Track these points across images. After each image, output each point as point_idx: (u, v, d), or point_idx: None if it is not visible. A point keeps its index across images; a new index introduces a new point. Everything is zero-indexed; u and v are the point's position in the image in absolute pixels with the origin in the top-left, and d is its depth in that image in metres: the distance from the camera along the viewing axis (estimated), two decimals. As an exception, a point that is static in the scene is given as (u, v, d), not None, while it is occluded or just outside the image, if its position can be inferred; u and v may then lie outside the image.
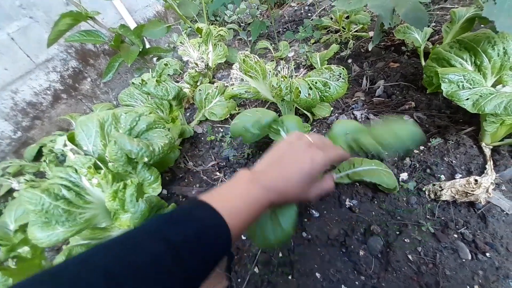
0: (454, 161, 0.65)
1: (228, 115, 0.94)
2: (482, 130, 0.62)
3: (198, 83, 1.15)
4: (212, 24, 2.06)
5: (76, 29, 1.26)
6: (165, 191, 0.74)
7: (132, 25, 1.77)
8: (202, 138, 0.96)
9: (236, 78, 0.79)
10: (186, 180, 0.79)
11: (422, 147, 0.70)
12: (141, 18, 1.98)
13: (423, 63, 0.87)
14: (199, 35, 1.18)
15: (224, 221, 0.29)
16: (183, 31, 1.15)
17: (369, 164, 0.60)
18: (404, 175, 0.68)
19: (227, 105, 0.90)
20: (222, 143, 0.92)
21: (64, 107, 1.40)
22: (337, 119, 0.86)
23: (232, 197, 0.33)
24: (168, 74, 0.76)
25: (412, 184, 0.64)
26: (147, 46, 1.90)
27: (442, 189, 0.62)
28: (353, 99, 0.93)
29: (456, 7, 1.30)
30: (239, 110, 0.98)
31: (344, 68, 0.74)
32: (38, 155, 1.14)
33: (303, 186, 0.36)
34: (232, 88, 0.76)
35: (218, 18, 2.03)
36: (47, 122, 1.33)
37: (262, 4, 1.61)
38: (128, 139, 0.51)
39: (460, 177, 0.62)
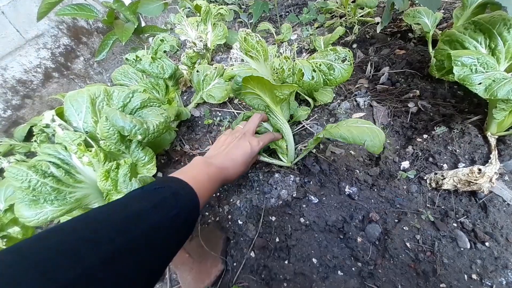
0: (458, 150, 0.63)
1: (227, 98, 0.90)
2: (488, 119, 0.60)
3: (196, 65, 1.11)
4: (210, 1, 1.97)
5: (69, 2, 1.19)
6: (160, 174, 0.72)
7: (128, 1, 1.69)
8: (200, 122, 0.93)
9: (236, 58, 0.75)
10: (182, 164, 0.77)
11: (425, 135, 0.68)
12: (137, -5, 1.88)
13: (430, 50, 0.84)
14: (198, 14, 1.12)
15: (193, 190, 0.41)
16: (180, 9, 1.09)
17: (365, 123, 0.54)
18: (405, 164, 0.66)
19: (226, 88, 0.86)
20: (220, 127, 0.89)
21: (55, 86, 1.34)
22: (339, 105, 0.84)
23: (195, 174, 0.46)
24: (164, 51, 0.72)
25: (412, 173, 0.62)
26: (143, 25, 1.82)
27: (444, 178, 0.61)
28: (356, 86, 0.90)
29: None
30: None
31: (350, 50, 0.71)
32: (29, 135, 1.10)
33: (247, 165, 0.56)
34: (232, 69, 0.72)
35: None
36: (38, 102, 1.28)
37: (264, -16, 1.53)
38: (120, 115, 0.47)
39: (464, 166, 0.61)
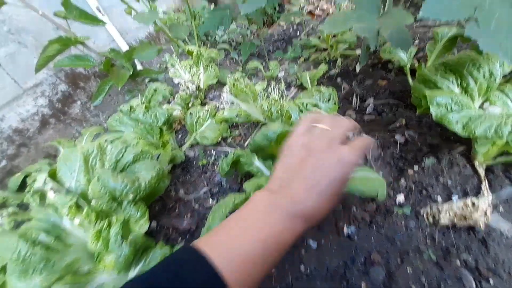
0: (449, 182, 0.63)
1: (220, 138, 0.91)
2: (473, 150, 0.61)
3: (190, 105, 1.14)
4: (204, 44, 2.08)
5: (67, 53, 1.24)
6: (154, 223, 0.70)
7: (124, 47, 1.77)
8: (194, 162, 0.93)
9: (227, 101, 0.77)
10: (176, 210, 0.75)
11: (416, 167, 0.69)
12: (133, 39, 1.98)
13: (410, 81, 0.87)
14: (190, 57, 1.18)
15: (223, 282, 0.21)
16: (173, 53, 1.15)
17: (362, 170, 0.55)
18: (400, 197, 0.66)
19: (218, 128, 0.88)
20: (215, 167, 0.89)
21: (52, 132, 1.35)
22: (329, 139, 0.85)
23: (242, 240, 0.24)
24: (157, 101, 0.74)
25: (408, 208, 0.62)
26: (140, 67, 1.90)
27: (440, 212, 0.60)
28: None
29: (438, 25, 1.35)
30: (231, 132, 0.96)
31: (334, 89, 0.73)
32: (23, 184, 1.09)
33: (335, 199, 0.27)
34: (223, 112, 0.74)
35: (209, 38, 2.05)
36: (34, 149, 1.28)
37: (251, 24, 1.64)
38: (112, 176, 0.47)
39: (457, 198, 0.61)
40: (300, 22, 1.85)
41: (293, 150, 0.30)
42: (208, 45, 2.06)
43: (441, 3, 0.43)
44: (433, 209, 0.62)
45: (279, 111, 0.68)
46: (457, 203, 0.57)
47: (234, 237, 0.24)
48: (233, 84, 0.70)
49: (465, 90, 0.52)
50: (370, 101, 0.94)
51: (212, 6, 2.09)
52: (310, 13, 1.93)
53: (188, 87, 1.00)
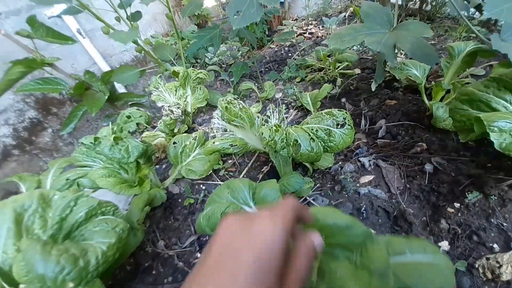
0: (505, 224, 0.49)
1: (211, 170, 0.76)
2: (531, 182, 0.48)
3: (176, 130, 0.99)
4: (193, 66, 1.99)
5: (39, 75, 1.09)
6: (121, 295, 0.51)
7: (106, 69, 1.64)
8: (179, 200, 0.76)
9: (218, 128, 0.63)
10: (154, 272, 0.56)
11: (457, 204, 0.55)
12: (118, 63, 1.87)
13: (425, 100, 0.77)
14: (176, 79, 1.05)
15: None
16: (157, 75, 1.02)
17: (418, 250, 0.39)
18: (444, 244, 0.51)
19: (208, 159, 0.72)
20: (204, 206, 0.72)
21: (14, 165, 1.15)
22: (341, 168, 0.71)
23: None
24: (129, 131, 0.59)
25: (463, 264, 0.46)
26: (123, 91, 1.76)
27: (501, 266, 0.45)
28: (355, 143, 0.80)
29: (432, 43, 1.31)
30: (223, 164, 0.80)
31: (347, 112, 0.61)
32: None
33: (265, 283, 0.18)
34: (214, 142, 0.59)
35: (199, 60, 1.97)
36: (-13, 187, 1.07)
37: (242, 46, 1.57)
38: (41, 253, 0.30)
39: (520, 247, 0.46)
40: (292, 44, 1.81)
41: (209, 247, 0.22)
42: (198, 68, 1.98)
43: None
44: (490, 261, 0.47)
45: (285, 140, 0.55)
46: (526, 255, 0.43)
47: None
48: (226, 108, 0.57)
49: (526, 110, 0.41)
50: (382, 123, 0.82)
51: (202, 29, 2.04)
52: (301, 35, 1.91)
53: (172, 111, 0.86)
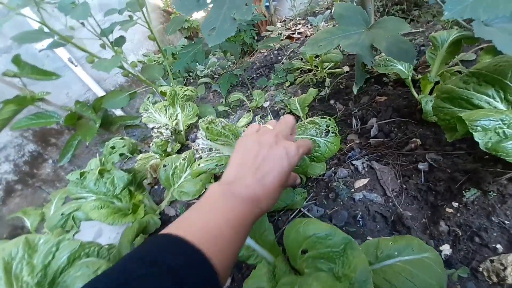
0: (507, 222, 0.46)
1: (204, 190, 0.75)
2: (530, 174, 0.46)
3: (169, 149, 0.99)
4: (186, 80, 2.00)
5: (35, 109, 1.11)
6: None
7: (101, 94, 1.67)
8: (176, 222, 0.75)
9: (203, 149, 0.62)
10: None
11: (455, 203, 0.52)
12: (112, 85, 1.90)
13: (415, 95, 0.75)
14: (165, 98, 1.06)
15: (205, 257, 0.21)
16: (147, 97, 1.03)
17: (405, 250, 0.38)
18: (445, 248, 0.48)
19: (200, 179, 0.72)
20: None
21: (18, 200, 1.17)
22: (335, 174, 0.69)
23: (208, 222, 0.24)
24: (112, 162, 0.59)
25: (465, 271, 0.44)
26: (120, 113, 1.78)
27: (505, 267, 0.43)
28: (348, 145, 0.78)
29: (421, 30, 1.28)
30: (214, 180, 0.79)
31: (331, 119, 0.60)
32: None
33: (283, 186, 0.31)
34: (199, 164, 0.58)
35: (191, 74, 1.99)
36: (-6, 225, 1.09)
37: (228, 56, 1.57)
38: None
39: (526, 245, 0.43)
40: (281, 47, 1.80)
41: (246, 146, 0.32)
42: (191, 81, 1.99)
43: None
44: (494, 263, 0.44)
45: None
46: (532, 256, 0.40)
47: (202, 221, 0.25)
48: (207, 129, 0.56)
49: None
50: (373, 121, 0.80)
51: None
52: (289, 37, 1.89)
53: (161, 133, 0.86)
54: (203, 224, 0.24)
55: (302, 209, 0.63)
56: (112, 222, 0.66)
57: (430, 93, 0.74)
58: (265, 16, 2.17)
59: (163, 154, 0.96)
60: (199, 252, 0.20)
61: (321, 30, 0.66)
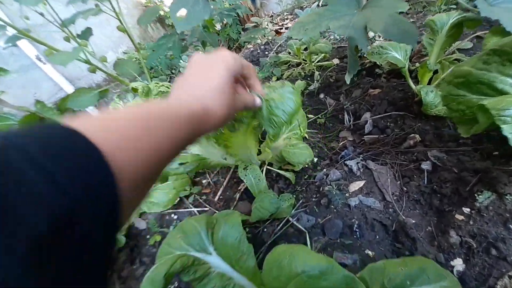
0: (529, 229, 0.39)
1: (178, 198, 0.65)
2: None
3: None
4: (169, 77, 1.88)
5: None
6: None
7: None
8: (148, 237, 0.65)
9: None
10: None
11: (467, 209, 0.45)
12: (87, 85, 1.76)
13: (412, 86, 0.67)
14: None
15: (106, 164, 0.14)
16: (117, 95, 0.92)
17: (419, 277, 0.30)
18: (458, 263, 0.41)
19: (173, 186, 0.62)
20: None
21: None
22: (327, 176, 0.60)
23: (121, 116, 0.18)
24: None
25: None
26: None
27: (532, 284, 0.35)
28: (340, 143, 0.70)
29: (412, 21, 1.22)
30: (195, 186, 0.70)
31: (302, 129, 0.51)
32: None
33: (228, 98, 0.27)
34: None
35: (174, 71, 1.87)
36: None
37: (209, 48, 1.46)
38: None
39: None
40: (268, 42, 1.71)
41: (189, 66, 0.29)
42: (174, 78, 1.87)
43: None
44: (517, 279, 0.37)
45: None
46: None
47: (115, 117, 0.18)
48: None
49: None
50: (367, 116, 0.72)
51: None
52: (277, 32, 1.81)
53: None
54: (113, 119, 0.17)
55: (290, 219, 0.54)
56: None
57: (429, 83, 0.66)
58: (251, 10, 2.08)
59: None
60: (87, 141, 0.14)
61: (308, 13, 0.57)
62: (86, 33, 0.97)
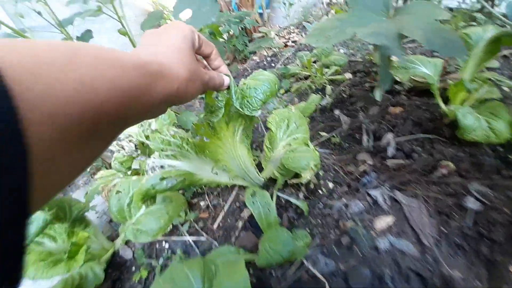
0: None
1: (171, 226, 0.55)
2: None
3: (136, 166, 0.79)
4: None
5: None
6: None
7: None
8: (133, 269, 0.55)
9: (154, 168, 0.44)
10: None
11: (533, 266, 0.35)
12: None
13: (442, 105, 0.59)
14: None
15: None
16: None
17: None
18: None
19: (166, 211, 0.52)
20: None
21: None
22: (346, 207, 0.51)
23: (48, 43, 0.14)
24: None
25: None
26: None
27: None
28: (359, 167, 0.61)
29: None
30: (188, 212, 0.60)
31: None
32: None
33: (185, 49, 0.25)
34: (142, 183, 0.40)
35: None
36: None
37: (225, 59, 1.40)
38: None
39: None
40: (274, 54, 1.66)
41: (141, 39, 0.27)
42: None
43: None
44: None
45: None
46: None
47: (34, 43, 0.13)
48: (147, 137, 0.38)
49: None
50: (389, 138, 0.63)
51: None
52: (284, 45, 1.77)
53: (123, 148, 0.66)
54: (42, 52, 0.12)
55: (304, 261, 0.44)
56: (33, 275, 0.45)
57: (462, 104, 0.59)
58: (258, 23, 2.05)
59: (132, 172, 0.76)
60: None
61: (329, 18, 0.50)
62: (86, 35, 0.90)
